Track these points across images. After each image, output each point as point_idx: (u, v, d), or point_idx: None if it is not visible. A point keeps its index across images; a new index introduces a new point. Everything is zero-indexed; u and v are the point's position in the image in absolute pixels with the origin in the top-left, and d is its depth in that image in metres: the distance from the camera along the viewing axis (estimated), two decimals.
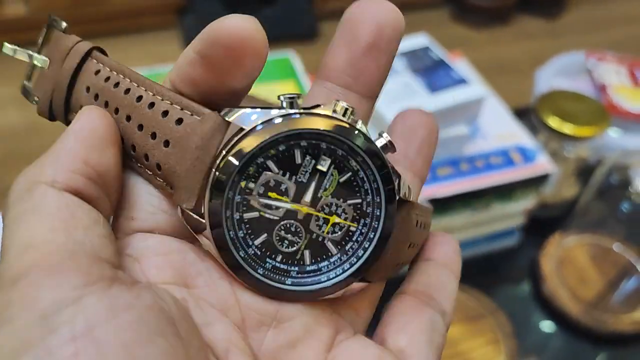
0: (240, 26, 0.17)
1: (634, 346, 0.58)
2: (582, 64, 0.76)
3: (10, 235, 0.17)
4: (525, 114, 0.67)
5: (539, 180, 0.59)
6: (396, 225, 0.20)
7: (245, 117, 0.19)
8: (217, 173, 0.19)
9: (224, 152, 0.19)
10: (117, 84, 0.20)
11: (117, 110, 0.20)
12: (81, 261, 0.16)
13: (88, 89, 0.21)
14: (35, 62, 0.23)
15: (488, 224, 0.60)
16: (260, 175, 0.19)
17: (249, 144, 0.19)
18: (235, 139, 0.19)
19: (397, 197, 0.20)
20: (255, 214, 0.20)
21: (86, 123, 0.19)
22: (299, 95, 0.20)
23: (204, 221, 0.19)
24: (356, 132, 0.20)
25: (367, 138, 0.20)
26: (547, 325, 0.59)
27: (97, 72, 0.21)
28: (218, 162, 0.19)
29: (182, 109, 0.19)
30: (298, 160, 0.20)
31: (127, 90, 0.20)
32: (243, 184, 0.19)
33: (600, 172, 0.61)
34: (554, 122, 0.61)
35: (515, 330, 0.56)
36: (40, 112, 0.22)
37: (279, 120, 0.19)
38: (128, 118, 0.20)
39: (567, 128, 0.61)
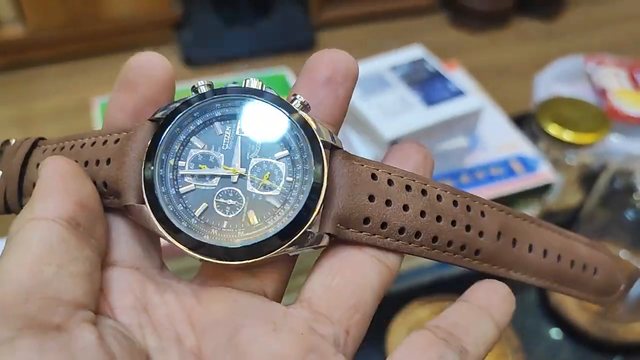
0: (146, 53, 0.22)
1: None
2: (581, 68, 0.75)
3: None
4: (525, 121, 0.66)
5: (541, 190, 0.58)
6: (338, 172, 0.21)
7: (164, 109, 0.21)
8: (145, 158, 0.20)
9: (149, 141, 0.21)
10: (62, 148, 0.23)
11: None
12: (33, 303, 0.17)
13: (38, 165, 0.23)
14: None
15: None
16: (187, 153, 0.21)
17: (165, 123, 0.21)
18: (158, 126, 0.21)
19: (319, 139, 0.21)
20: (190, 187, 0.21)
21: (55, 164, 0.20)
22: (212, 83, 0.22)
23: (144, 206, 0.20)
24: (262, 91, 0.21)
25: (274, 94, 0.21)
26: (554, 336, 0.58)
27: (44, 151, 0.24)
28: (146, 151, 0.21)
29: (118, 133, 0.22)
30: (219, 132, 0.21)
31: (72, 147, 0.23)
32: (172, 161, 0.21)
33: (604, 178, 0.60)
34: (554, 129, 0.60)
35: (522, 342, 0.56)
36: None
37: (192, 100, 0.21)
38: (75, 162, 0.22)
39: (568, 135, 0.60)
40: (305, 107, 0.21)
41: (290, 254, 0.21)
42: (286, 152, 0.21)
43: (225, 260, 0.20)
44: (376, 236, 0.21)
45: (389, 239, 0.22)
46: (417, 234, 0.22)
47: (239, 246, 0.20)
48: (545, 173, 0.57)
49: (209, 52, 1.04)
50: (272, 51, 1.05)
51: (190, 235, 0.20)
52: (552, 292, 0.59)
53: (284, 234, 0.20)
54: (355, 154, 0.22)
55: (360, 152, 0.54)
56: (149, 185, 0.20)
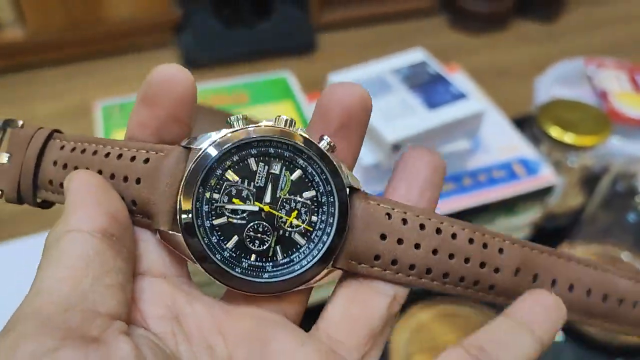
0: (168, 66, 0.22)
1: None
2: (581, 71, 0.75)
3: (35, 280, 0.19)
4: (527, 123, 0.66)
5: (543, 193, 0.58)
6: (355, 212, 0.23)
7: (200, 140, 0.22)
8: (183, 189, 0.22)
9: (187, 172, 0.22)
10: (83, 151, 0.24)
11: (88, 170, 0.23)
12: (73, 315, 0.18)
13: (55, 162, 0.24)
14: None
15: None
16: (222, 186, 0.22)
17: (205, 159, 0.22)
18: (195, 157, 0.22)
19: (345, 183, 0.22)
20: (223, 220, 0.22)
21: (83, 178, 0.21)
22: (246, 116, 0.23)
23: (179, 235, 0.22)
24: (296, 134, 0.22)
25: (307, 138, 0.22)
26: (556, 338, 0.58)
27: (62, 147, 0.24)
28: (183, 181, 0.22)
29: (147, 152, 0.22)
30: (253, 167, 0.22)
31: (95, 152, 0.23)
32: (208, 194, 0.22)
33: (606, 180, 0.60)
34: (555, 132, 0.60)
35: None
36: (8, 199, 0.25)
37: (228, 135, 0.22)
38: (99, 172, 0.23)
39: (569, 138, 0.60)
40: (332, 148, 0.23)
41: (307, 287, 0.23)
42: (313, 192, 0.23)
43: (252, 293, 0.22)
44: (387, 271, 0.23)
45: (400, 274, 0.23)
46: (428, 270, 0.23)
47: (265, 281, 0.22)
48: (547, 175, 0.57)
49: (209, 54, 1.04)
50: (272, 53, 1.05)
51: (223, 267, 0.22)
52: None
53: (309, 273, 0.23)
54: (371, 194, 0.24)
55: (363, 155, 0.54)
56: (186, 219, 0.22)
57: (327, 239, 0.22)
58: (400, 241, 0.23)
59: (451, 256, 0.23)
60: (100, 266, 0.19)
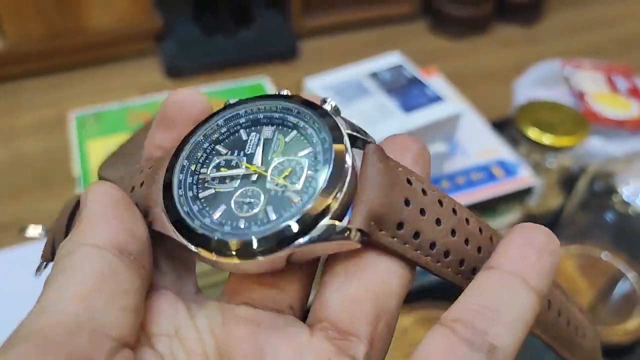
0: (184, 90, 0.22)
1: (628, 357, 0.57)
2: (559, 72, 0.76)
3: (42, 295, 0.17)
4: (507, 126, 0.66)
5: (522, 194, 0.58)
6: (365, 166, 0.19)
7: None
8: (168, 166, 0.20)
9: (173, 151, 0.21)
10: None
11: None
12: (82, 338, 0.16)
13: None
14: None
15: None
16: (211, 160, 0.21)
17: (190, 133, 0.21)
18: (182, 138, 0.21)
19: (343, 131, 0.19)
20: (210, 192, 0.20)
21: (102, 189, 0.20)
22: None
23: (163, 212, 0.19)
24: (286, 95, 0.21)
25: (299, 96, 0.20)
26: (538, 340, 0.58)
27: None
28: (169, 159, 0.20)
29: (155, 162, 0.22)
30: (244, 137, 0.21)
31: None
32: (193, 167, 0.20)
33: (583, 181, 0.60)
34: (533, 133, 0.61)
35: None
36: (44, 259, 0.26)
37: (218, 110, 0.21)
38: (120, 189, 0.22)
39: (547, 139, 0.60)
40: (336, 111, 0.20)
41: (314, 254, 0.19)
42: (310, 149, 0.20)
43: (238, 258, 0.18)
44: (407, 245, 0.19)
45: (419, 251, 0.19)
46: (446, 253, 0.20)
47: (251, 239, 0.18)
48: (525, 177, 0.58)
49: (191, 62, 1.04)
50: (254, 60, 1.04)
51: (203, 233, 0.19)
52: None
53: (302, 224, 0.18)
54: None
55: None
56: (167, 187, 0.20)
57: (326, 172, 0.19)
58: (422, 212, 0.19)
59: (467, 241, 0.20)
60: (115, 285, 0.17)
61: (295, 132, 0.20)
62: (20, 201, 0.71)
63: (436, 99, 0.54)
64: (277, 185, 0.19)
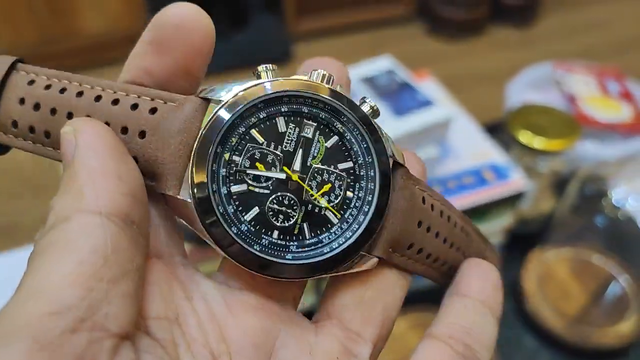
0: (184, 7, 0.19)
1: None
2: (551, 75, 0.76)
3: (32, 270, 0.15)
4: (499, 129, 0.66)
5: (514, 198, 0.58)
6: (395, 190, 0.19)
7: (221, 89, 0.19)
8: (198, 146, 0.18)
9: (204, 128, 0.18)
10: (63, 90, 0.19)
11: (70, 115, 0.19)
12: (81, 336, 0.14)
13: (22, 100, 0.19)
14: None
15: None
16: (244, 148, 0.19)
17: (226, 114, 0.18)
18: (214, 111, 0.18)
19: (389, 155, 0.19)
20: (243, 187, 0.18)
21: (94, 132, 0.17)
22: (276, 66, 0.19)
23: (190, 201, 0.18)
24: (336, 93, 0.19)
25: (348, 97, 0.19)
26: (531, 342, 0.58)
27: (31, 82, 0.20)
28: (199, 138, 0.18)
29: (152, 99, 0.18)
30: (282, 128, 0.19)
31: (80, 93, 0.19)
32: (227, 155, 0.18)
33: (574, 184, 0.60)
34: (524, 137, 0.61)
35: (499, 350, 0.55)
36: None
37: (254, 88, 0.18)
38: (113, 132, 0.18)
39: (539, 143, 0.60)
40: (375, 112, 0.20)
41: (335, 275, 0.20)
42: (351, 164, 0.19)
43: (272, 276, 0.18)
44: (411, 260, 0.21)
45: (418, 263, 0.21)
46: (436, 259, 0.22)
47: (290, 263, 0.18)
48: (517, 181, 0.58)
49: None
50: (248, 63, 1.05)
51: (240, 243, 0.18)
52: (527, 301, 0.59)
53: (340, 257, 0.19)
54: None
55: None
56: (200, 182, 0.18)
57: (364, 219, 0.19)
58: (428, 229, 0.21)
59: (451, 245, 0.22)
60: (117, 267, 0.15)
61: (337, 138, 0.19)
62: (10, 206, 0.71)
63: (427, 103, 0.54)
64: (315, 200, 0.19)
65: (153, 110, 0.18)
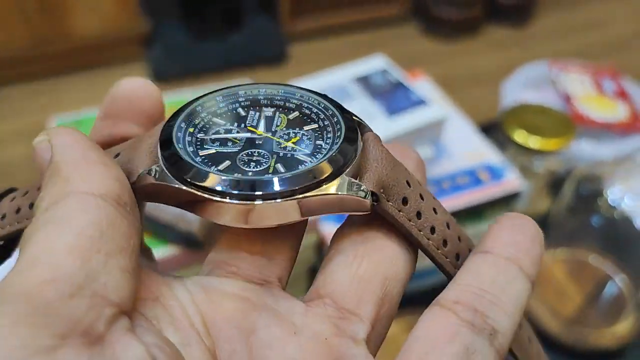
0: (132, 80, 0.20)
1: None
2: (546, 74, 0.75)
3: (29, 244, 0.15)
4: (494, 129, 0.66)
5: (509, 198, 0.57)
6: (367, 146, 0.19)
7: None
8: (163, 128, 0.19)
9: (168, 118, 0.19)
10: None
11: None
12: (80, 301, 0.14)
13: (3, 216, 0.21)
14: None
15: None
16: (208, 127, 0.19)
17: (188, 104, 0.19)
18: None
19: (352, 116, 0.19)
20: (211, 151, 0.18)
21: (69, 134, 0.17)
22: None
23: (159, 167, 0.18)
24: (287, 84, 0.20)
25: (299, 87, 0.20)
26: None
27: (12, 199, 0.21)
28: (163, 123, 0.19)
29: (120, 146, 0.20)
30: (242, 113, 0.20)
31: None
32: (191, 129, 0.19)
33: (569, 185, 0.60)
34: (519, 136, 0.60)
35: None
36: None
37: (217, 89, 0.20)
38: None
39: (534, 142, 0.60)
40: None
41: (327, 209, 0.18)
42: (315, 125, 0.20)
43: (260, 199, 0.17)
44: (412, 222, 0.19)
45: (422, 232, 0.19)
46: (445, 243, 0.20)
47: (274, 178, 0.17)
48: (511, 181, 0.57)
49: (179, 67, 1.03)
50: (243, 64, 1.04)
51: (221, 175, 0.17)
52: None
53: (322, 168, 0.18)
54: None
55: None
56: (165, 143, 0.18)
57: (339, 141, 0.18)
58: (421, 197, 0.19)
59: (459, 238, 0.20)
60: (114, 242, 0.15)
61: (297, 112, 0.20)
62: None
63: (420, 103, 0.53)
64: (285, 148, 0.19)
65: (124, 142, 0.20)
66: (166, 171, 0.17)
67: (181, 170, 0.17)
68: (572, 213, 0.59)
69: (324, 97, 0.20)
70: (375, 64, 0.58)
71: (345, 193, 0.18)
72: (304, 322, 0.18)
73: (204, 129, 0.19)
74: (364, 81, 0.56)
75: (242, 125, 0.19)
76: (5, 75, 1.00)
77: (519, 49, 1.16)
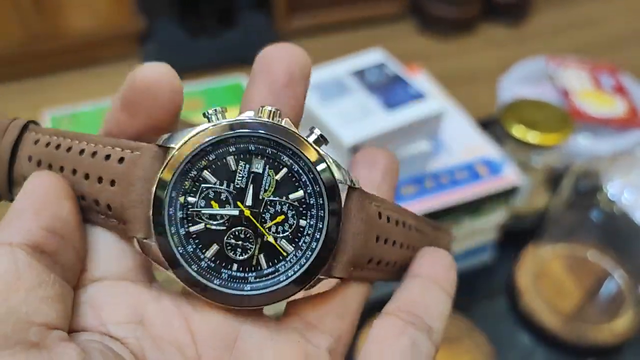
0: (154, 68, 0.20)
1: (615, 357, 0.56)
2: (544, 70, 0.75)
3: None
4: (492, 125, 0.66)
5: (507, 193, 0.57)
6: (349, 213, 0.21)
7: (174, 137, 0.20)
8: (154, 193, 0.20)
9: (159, 174, 0.20)
10: (58, 146, 0.21)
11: (62, 169, 0.21)
12: (5, 326, 0.16)
13: (30, 158, 0.22)
14: None
15: (459, 241, 0.59)
16: (198, 189, 0.20)
17: (177, 159, 0.20)
18: (168, 158, 0.20)
19: (336, 181, 0.20)
20: (201, 227, 0.20)
21: (36, 184, 0.20)
22: (225, 108, 0.21)
23: (153, 244, 0.20)
24: (280, 128, 0.20)
25: (292, 131, 0.20)
26: (526, 341, 0.57)
27: (36, 141, 0.22)
28: (155, 185, 0.20)
29: (122, 149, 0.20)
30: (232, 167, 0.20)
31: (69, 149, 0.21)
32: (182, 199, 0.20)
33: (568, 180, 0.60)
34: (518, 132, 0.60)
35: (494, 348, 0.54)
36: None
37: (204, 131, 0.20)
38: (74, 172, 0.21)
39: (532, 137, 0.59)
40: (323, 140, 0.21)
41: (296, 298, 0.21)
42: (301, 193, 0.21)
43: (233, 306, 0.20)
44: (369, 271, 0.23)
45: (374, 271, 0.23)
46: (394, 264, 0.23)
47: (249, 294, 0.20)
48: (510, 176, 0.57)
49: (173, 64, 1.02)
50: (238, 61, 1.03)
51: (199, 279, 0.20)
52: (521, 298, 0.58)
53: (296, 283, 0.20)
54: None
55: None
56: (159, 226, 0.20)
57: (317, 246, 0.20)
58: (386, 241, 0.22)
59: (407, 247, 0.24)
60: (32, 278, 0.18)
61: (285, 170, 0.20)
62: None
63: (418, 96, 0.53)
64: (269, 230, 0.20)
65: (121, 160, 0.20)
66: (159, 254, 0.20)
67: (170, 262, 0.20)
68: (571, 208, 0.59)
69: (309, 153, 0.20)
70: (373, 57, 0.57)
71: (310, 291, 0.21)
72: (278, 332, 0.21)
73: (194, 190, 0.20)
74: (362, 75, 0.56)
75: (232, 186, 0.20)
76: (1, 72, 0.99)
77: (515, 47, 1.16)
